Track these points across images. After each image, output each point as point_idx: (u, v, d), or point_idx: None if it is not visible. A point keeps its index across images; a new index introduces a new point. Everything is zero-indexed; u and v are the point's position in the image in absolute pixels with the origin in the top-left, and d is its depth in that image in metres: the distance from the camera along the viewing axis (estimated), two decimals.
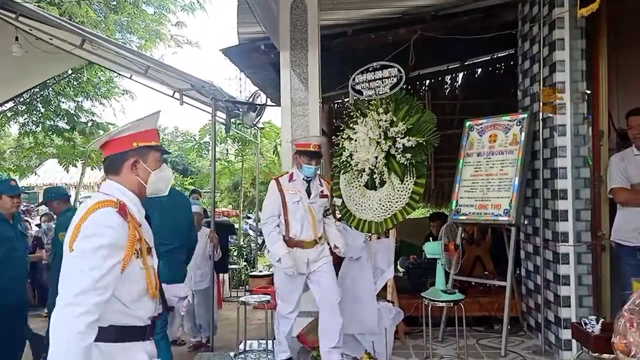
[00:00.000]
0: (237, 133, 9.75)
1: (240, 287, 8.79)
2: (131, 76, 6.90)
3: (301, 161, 4.05)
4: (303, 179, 4.07)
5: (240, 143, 10.81)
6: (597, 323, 2.72)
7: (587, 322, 2.77)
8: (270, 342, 4.71)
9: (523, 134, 4.54)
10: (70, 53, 6.17)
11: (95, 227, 1.75)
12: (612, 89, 4.45)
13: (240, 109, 6.48)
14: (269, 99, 7.30)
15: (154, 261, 1.97)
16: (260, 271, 9.15)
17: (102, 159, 2.04)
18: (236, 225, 10.44)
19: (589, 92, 4.14)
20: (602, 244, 4.12)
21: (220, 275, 7.67)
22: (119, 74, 8.76)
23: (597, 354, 2.50)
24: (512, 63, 7.23)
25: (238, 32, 5.58)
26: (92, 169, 11.57)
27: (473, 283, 5.22)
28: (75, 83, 10.29)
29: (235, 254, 9.60)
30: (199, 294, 5.37)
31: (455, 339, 4.35)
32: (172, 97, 6.45)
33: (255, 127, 8.80)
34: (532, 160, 4.60)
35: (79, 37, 5.51)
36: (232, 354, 4.72)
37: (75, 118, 10.39)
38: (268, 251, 4.16)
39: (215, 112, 5.77)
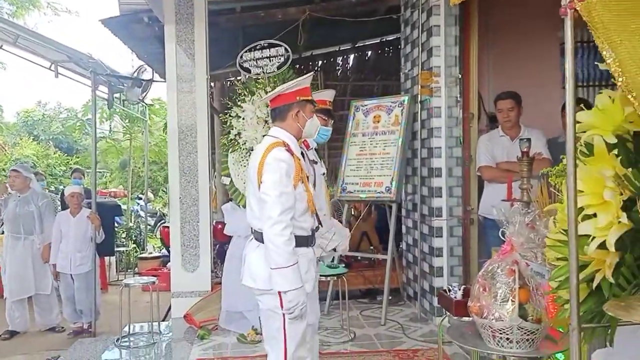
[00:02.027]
0: (123, 110, 9.27)
1: (129, 270, 8.47)
2: (1, 45, 6.32)
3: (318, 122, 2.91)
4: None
5: (128, 120, 10.31)
6: (460, 289, 2.96)
7: (451, 288, 3.00)
8: (156, 324, 4.60)
9: (404, 115, 4.76)
10: None
11: (274, 162, 2.41)
12: (483, 74, 4.79)
13: (125, 84, 6.16)
14: (156, 74, 7.00)
15: (311, 186, 2.59)
16: (150, 253, 8.87)
17: (271, 110, 2.67)
18: (124, 206, 9.97)
19: (461, 76, 4.42)
20: (471, 218, 4.47)
21: (107, 258, 7.34)
22: None
23: (457, 317, 2.73)
24: (398, 47, 7.52)
25: (119, 1, 5.28)
26: None
27: (359, 257, 5.45)
28: None
29: (123, 236, 9.20)
30: (79, 278, 5.11)
31: (340, 311, 4.54)
32: (49, 69, 5.99)
33: (143, 104, 8.43)
34: (412, 140, 4.84)
35: None
36: (115, 338, 4.56)
37: None
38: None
39: (96, 87, 5.46)
